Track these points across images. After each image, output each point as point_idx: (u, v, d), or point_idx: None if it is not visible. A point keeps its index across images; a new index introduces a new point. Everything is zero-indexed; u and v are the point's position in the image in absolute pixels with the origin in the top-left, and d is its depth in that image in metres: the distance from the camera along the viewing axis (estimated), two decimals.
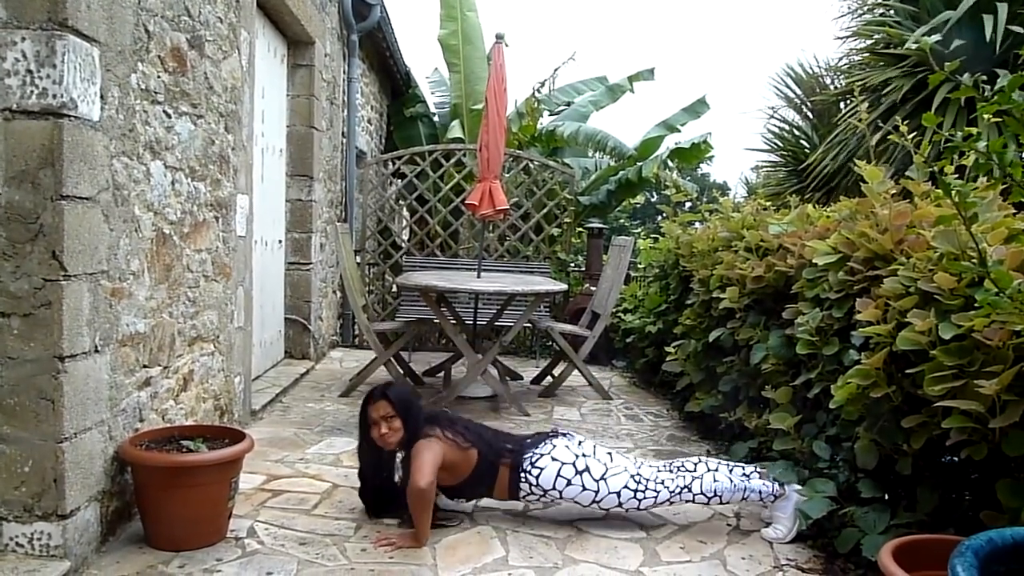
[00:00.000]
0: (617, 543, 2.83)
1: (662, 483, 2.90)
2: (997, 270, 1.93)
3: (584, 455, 2.92)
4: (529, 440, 3.01)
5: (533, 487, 2.90)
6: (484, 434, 2.99)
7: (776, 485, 2.91)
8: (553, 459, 2.90)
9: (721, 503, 2.94)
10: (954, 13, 5.09)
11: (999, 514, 2.07)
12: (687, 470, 2.98)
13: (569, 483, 2.86)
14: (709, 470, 2.95)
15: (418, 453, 2.77)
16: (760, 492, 2.90)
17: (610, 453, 2.99)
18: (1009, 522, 2.00)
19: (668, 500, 2.90)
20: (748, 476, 2.95)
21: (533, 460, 2.91)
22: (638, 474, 2.91)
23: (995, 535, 1.52)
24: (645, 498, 2.88)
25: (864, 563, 2.47)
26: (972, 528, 1.93)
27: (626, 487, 2.87)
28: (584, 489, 2.86)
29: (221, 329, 3.72)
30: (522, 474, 2.90)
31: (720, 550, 2.80)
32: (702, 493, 2.89)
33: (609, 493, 2.86)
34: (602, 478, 2.87)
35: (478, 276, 5.36)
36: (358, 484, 3.01)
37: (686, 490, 2.89)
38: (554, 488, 2.88)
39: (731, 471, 2.96)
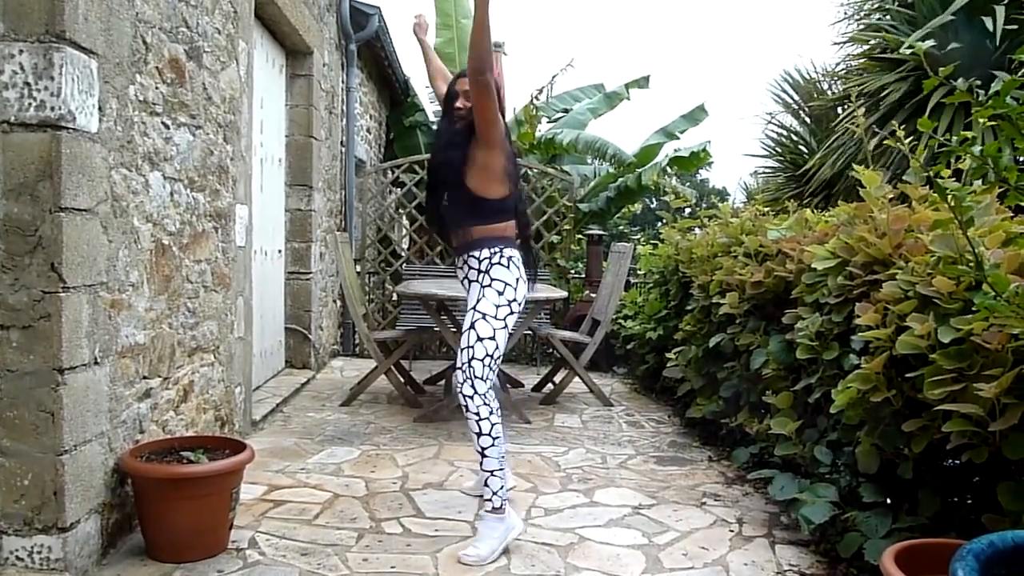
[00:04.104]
0: (619, 550, 2.82)
1: (492, 401, 2.82)
2: (994, 274, 1.92)
3: (504, 326, 2.87)
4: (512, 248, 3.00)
5: (482, 264, 2.91)
6: (518, 185, 3.06)
7: (508, 506, 2.80)
8: (503, 286, 2.89)
9: (484, 452, 2.79)
10: (949, 16, 5.11)
11: (1001, 517, 2.07)
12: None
13: (480, 299, 2.88)
14: (500, 435, 2.83)
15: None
16: (500, 489, 2.78)
17: (495, 361, 2.87)
18: (1011, 525, 1.99)
19: (477, 409, 2.78)
20: (504, 477, 2.84)
21: (502, 259, 2.92)
22: (490, 390, 2.83)
23: (996, 538, 1.51)
24: (476, 387, 2.78)
25: (867, 567, 2.47)
26: (974, 531, 1.92)
27: (484, 363, 2.81)
28: (483, 320, 2.84)
29: (221, 339, 3.72)
30: (495, 251, 2.92)
31: (723, 556, 2.79)
32: (489, 435, 2.78)
33: (477, 354, 2.81)
34: (487, 338, 2.82)
35: None
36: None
37: (486, 421, 2.78)
38: (481, 284, 2.90)
39: (503, 457, 2.85)
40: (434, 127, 9.48)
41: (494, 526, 2.76)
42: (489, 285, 2.91)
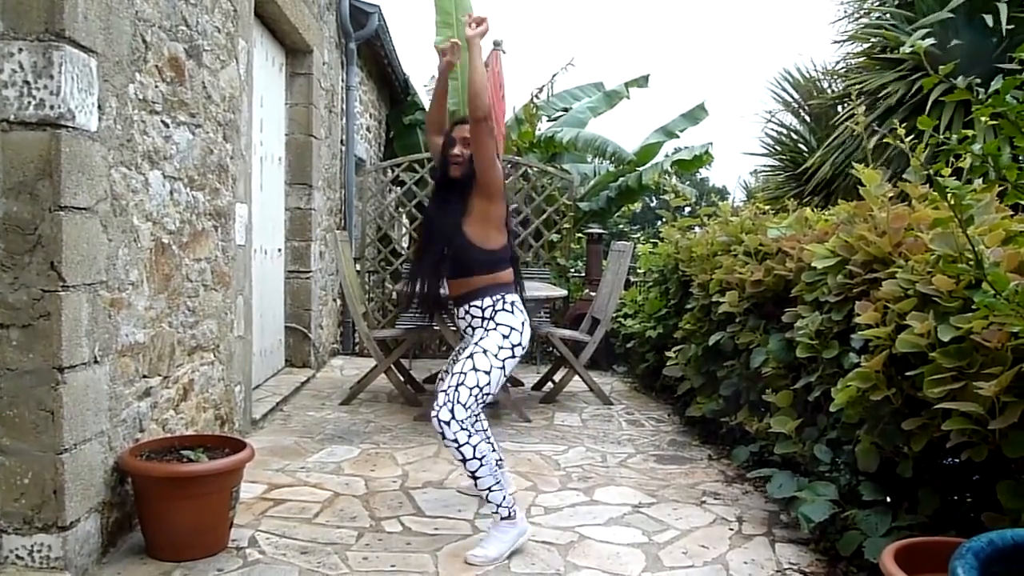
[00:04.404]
0: (619, 549, 2.83)
1: (473, 428, 2.74)
2: (994, 272, 1.92)
3: (502, 367, 2.83)
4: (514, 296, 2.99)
5: (485, 312, 2.89)
6: (512, 238, 3.11)
7: (517, 511, 2.80)
8: (508, 330, 2.86)
9: (474, 475, 2.73)
10: (947, 14, 5.10)
11: (1000, 515, 2.07)
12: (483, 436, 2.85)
13: (483, 337, 2.84)
14: (486, 454, 2.76)
15: None
16: (503, 500, 2.77)
17: (483, 396, 2.80)
18: (1010, 524, 1.99)
19: (454, 436, 2.67)
20: (503, 486, 2.80)
21: (506, 305, 2.90)
22: (476, 418, 2.81)
23: (996, 536, 1.51)
24: (455, 412, 2.68)
25: (867, 566, 2.47)
26: (973, 530, 1.92)
27: (471, 392, 2.73)
28: (483, 354, 2.79)
29: (221, 338, 3.72)
30: (497, 298, 2.89)
31: (722, 555, 2.79)
32: (474, 457, 2.70)
33: (467, 382, 2.74)
34: (482, 370, 2.76)
35: None
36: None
37: (467, 446, 2.69)
38: (486, 328, 2.87)
39: (495, 471, 2.80)
40: None
41: (506, 530, 2.76)
42: (494, 329, 2.87)
